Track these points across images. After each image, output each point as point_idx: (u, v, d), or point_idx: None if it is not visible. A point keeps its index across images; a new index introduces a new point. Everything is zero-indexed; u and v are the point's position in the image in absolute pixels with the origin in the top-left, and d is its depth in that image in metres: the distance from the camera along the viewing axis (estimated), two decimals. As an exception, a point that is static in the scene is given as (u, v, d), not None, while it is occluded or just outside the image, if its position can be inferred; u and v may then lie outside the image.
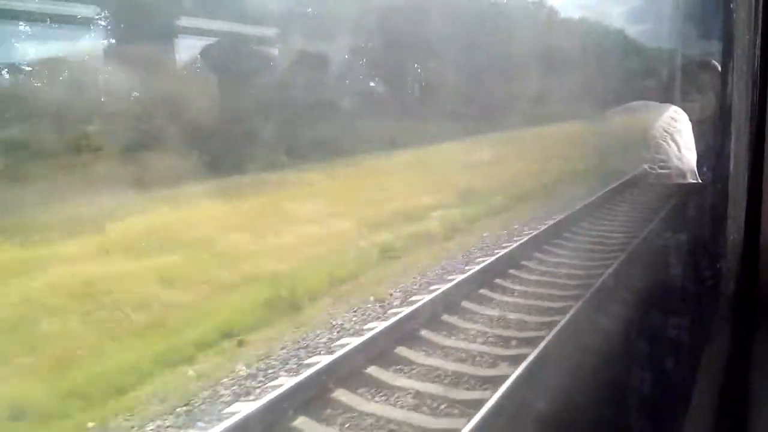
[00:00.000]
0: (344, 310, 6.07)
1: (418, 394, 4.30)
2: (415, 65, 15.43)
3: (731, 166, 2.54)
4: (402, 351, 4.81)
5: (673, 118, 8.22)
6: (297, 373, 4.59)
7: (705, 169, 6.00)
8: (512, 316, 5.72)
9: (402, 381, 4.39)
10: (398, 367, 4.65)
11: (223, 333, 5.84)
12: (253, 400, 4.27)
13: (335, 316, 5.91)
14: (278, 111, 10.42)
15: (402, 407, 4.17)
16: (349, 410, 4.10)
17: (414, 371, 4.62)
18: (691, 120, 6.95)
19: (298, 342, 5.37)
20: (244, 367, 5.03)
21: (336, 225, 8.53)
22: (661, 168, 8.61)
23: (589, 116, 12.53)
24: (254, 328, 5.88)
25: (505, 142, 13.65)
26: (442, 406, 4.18)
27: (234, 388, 4.67)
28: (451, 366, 4.71)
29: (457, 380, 4.52)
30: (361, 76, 13.71)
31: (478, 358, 4.87)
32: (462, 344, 5.10)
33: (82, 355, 5.36)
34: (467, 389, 4.41)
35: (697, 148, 6.60)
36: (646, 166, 9.43)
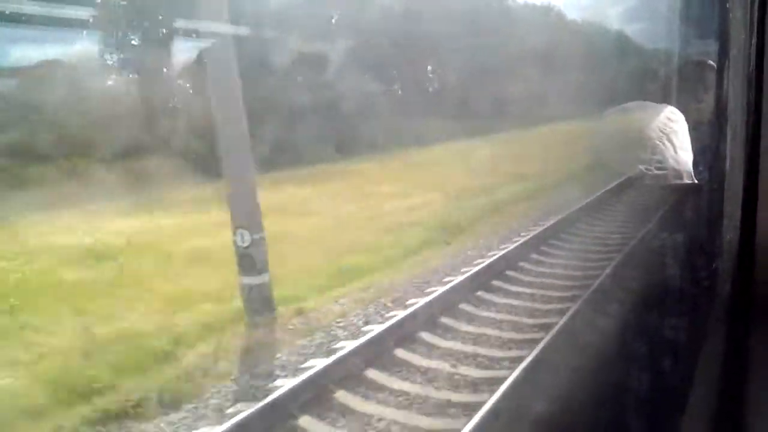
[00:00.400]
0: (494, 232, 9.38)
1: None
2: (436, 69, 16.20)
3: (727, 167, 2.53)
4: (535, 252, 8.40)
5: (669, 119, 8.24)
6: (487, 257, 7.93)
7: (701, 169, 6.01)
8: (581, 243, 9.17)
9: (541, 267, 7.92)
10: (535, 259, 8.20)
11: (423, 244, 8.79)
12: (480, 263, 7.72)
13: (493, 234, 9.28)
14: (321, 112, 11.55)
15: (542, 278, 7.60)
16: (515, 280, 7.48)
17: (544, 262, 8.17)
18: (687, 120, 6.95)
19: (480, 244, 8.83)
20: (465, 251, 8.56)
21: (426, 197, 10.81)
22: (658, 169, 8.74)
23: (591, 116, 13.02)
24: (446, 240, 9.04)
25: (516, 140, 15.02)
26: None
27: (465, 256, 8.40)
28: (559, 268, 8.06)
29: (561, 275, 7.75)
30: (389, 81, 14.58)
31: (572, 263, 8.21)
32: (563, 253, 8.60)
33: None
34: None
35: (693, 149, 6.61)
36: (642, 167, 9.60)
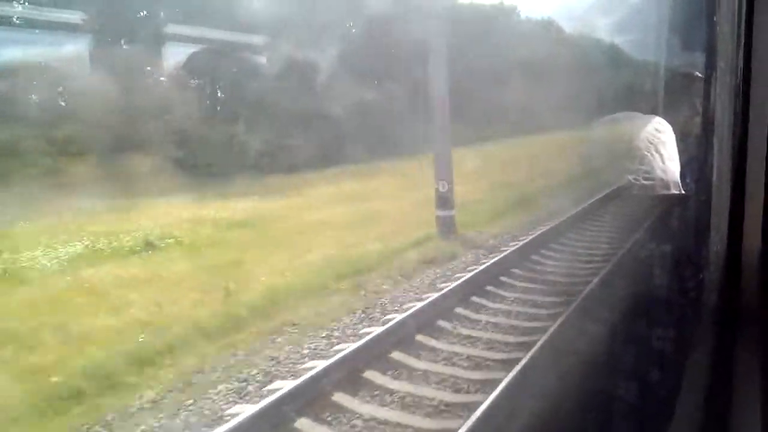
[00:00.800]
0: (555, 206, 10.66)
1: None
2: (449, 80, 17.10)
3: (714, 178, 2.56)
4: (594, 214, 10.36)
5: (657, 130, 8.34)
6: (559, 219, 9.60)
7: (688, 180, 6.06)
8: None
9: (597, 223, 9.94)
10: (590, 221, 10.05)
11: (510, 208, 11.01)
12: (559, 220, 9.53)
13: (553, 208, 10.52)
14: (362, 115, 12.62)
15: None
16: (588, 227, 9.63)
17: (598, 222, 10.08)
18: (674, 131, 7.03)
19: (552, 210, 10.24)
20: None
21: (474, 185, 11.97)
22: (645, 179, 8.95)
23: (588, 126, 13.62)
24: (519, 208, 10.95)
25: (524, 146, 15.88)
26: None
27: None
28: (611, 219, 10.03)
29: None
30: (409, 91, 15.56)
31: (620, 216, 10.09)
32: (616, 211, 10.41)
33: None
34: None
35: (680, 159, 6.67)
36: (630, 177, 9.86)
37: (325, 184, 11.65)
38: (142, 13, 10.83)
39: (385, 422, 4.13)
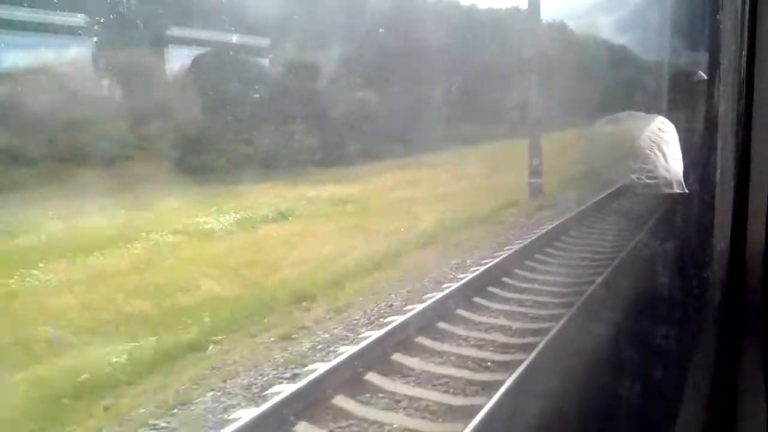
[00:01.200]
0: (595, 185, 12.10)
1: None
2: (465, 82, 17.57)
3: (718, 177, 2.55)
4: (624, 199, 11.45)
5: (660, 129, 8.31)
6: (609, 188, 11.50)
7: (692, 179, 6.03)
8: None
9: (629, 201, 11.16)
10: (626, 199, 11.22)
11: (568, 183, 13.18)
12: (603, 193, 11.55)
13: (598, 186, 12.00)
14: (391, 117, 13.67)
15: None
16: (629, 201, 10.92)
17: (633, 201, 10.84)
18: (677, 130, 7.00)
19: (600, 184, 11.85)
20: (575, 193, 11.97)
21: (514, 173, 13.64)
22: (648, 178, 8.96)
23: (595, 124, 13.91)
24: (576, 183, 13.14)
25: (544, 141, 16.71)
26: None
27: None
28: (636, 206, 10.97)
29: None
30: (429, 92, 16.23)
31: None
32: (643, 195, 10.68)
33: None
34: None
35: (683, 159, 6.64)
36: (633, 176, 9.98)
37: (383, 174, 13.22)
38: (184, 20, 11.09)
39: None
